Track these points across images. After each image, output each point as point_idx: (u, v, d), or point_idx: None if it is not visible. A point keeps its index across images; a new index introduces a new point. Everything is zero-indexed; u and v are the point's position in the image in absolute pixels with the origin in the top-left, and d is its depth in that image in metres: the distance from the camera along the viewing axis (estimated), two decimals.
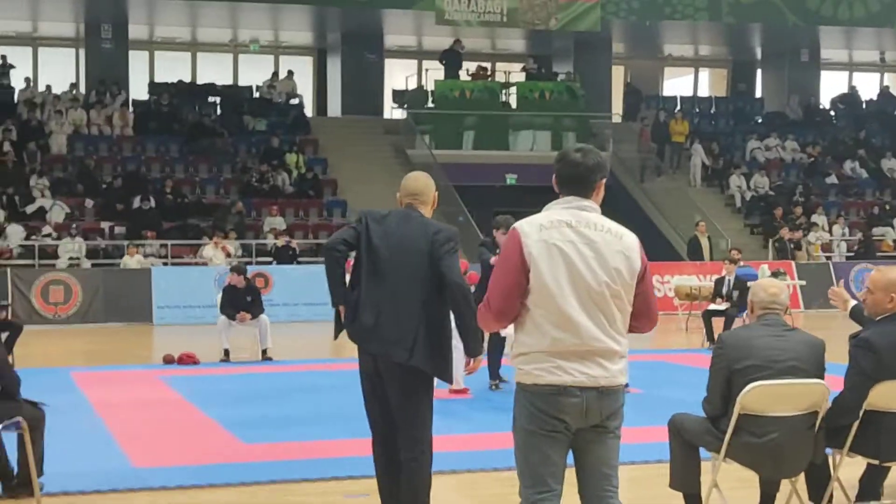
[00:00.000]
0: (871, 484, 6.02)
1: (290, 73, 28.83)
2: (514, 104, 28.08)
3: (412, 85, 29.22)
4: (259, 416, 9.69)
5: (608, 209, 4.37)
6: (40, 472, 6.62)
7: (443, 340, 5.45)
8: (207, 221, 22.67)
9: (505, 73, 29.94)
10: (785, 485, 5.91)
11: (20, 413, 6.42)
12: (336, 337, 5.74)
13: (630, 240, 4.27)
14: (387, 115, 29.07)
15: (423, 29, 27.95)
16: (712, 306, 15.70)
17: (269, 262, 21.05)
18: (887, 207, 27.25)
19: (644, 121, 29.28)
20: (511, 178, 25.85)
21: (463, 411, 9.89)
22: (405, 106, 28.00)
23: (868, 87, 33.64)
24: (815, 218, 25.65)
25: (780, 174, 28.33)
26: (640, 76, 32.29)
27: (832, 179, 28.37)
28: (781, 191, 27.35)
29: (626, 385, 4.39)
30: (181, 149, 25.43)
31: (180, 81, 28.13)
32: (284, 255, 21.15)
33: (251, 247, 22.10)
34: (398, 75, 30.02)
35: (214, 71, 29.51)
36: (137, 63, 28.36)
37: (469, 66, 28.28)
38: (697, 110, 31.51)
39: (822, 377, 5.49)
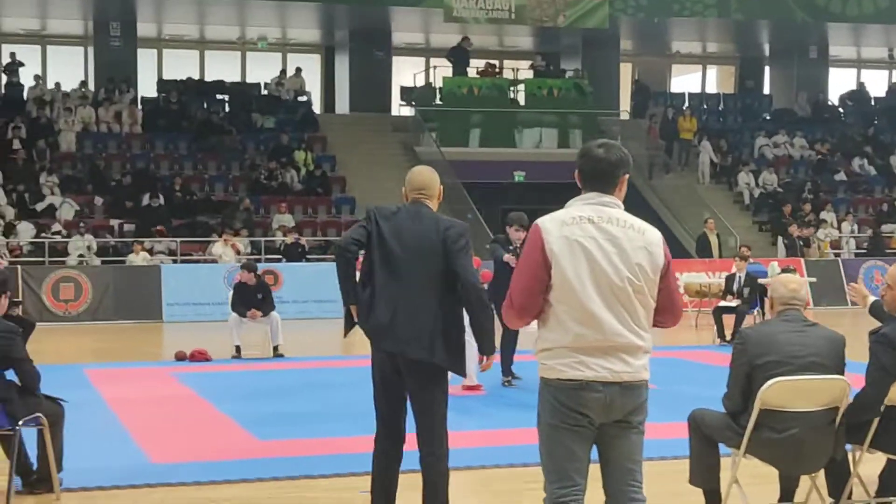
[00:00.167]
0: (891, 480, 6.01)
1: (298, 70, 28.83)
2: (521, 101, 28.07)
3: (420, 82, 29.23)
4: (273, 412, 9.71)
5: None
6: (60, 468, 6.65)
7: (459, 335, 5.46)
8: (216, 219, 22.70)
9: (513, 70, 29.93)
10: (804, 481, 5.92)
11: (41, 409, 6.44)
12: (346, 335, 5.76)
13: (653, 235, 4.28)
14: (395, 112, 29.07)
15: (430, 26, 27.94)
16: (723, 303, 15.70)
17: (279, 260, 21.07)
18: None
19: (653, 118, 29.26)
20: (519, 176, 25.85)
21: (477, 407, 9.91)
22: (413, 103, 28.00)
23: (877, 83, 33.57)
24: (823, 215, 25.62)
25: (788, 171, 28.29)
26: (647, 73, 32.27)
27: (841, 176, 28.32)
28: (790, 188, 27.31)
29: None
30: (190, 146, 25.47)
31: (189, 79, 28.15)
32: (293, 253, 21.17)
33: (260, 244, 22.13)
34: (406, 73, 30.02)
35: (222, 68, 29.52)
36: (146, 61, 28.43)
37: (477, 64, 28.28)
38: (705, 107, 31.48)
39: (842, 373, 5.49)
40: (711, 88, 33.91)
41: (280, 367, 13.06)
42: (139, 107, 26.39)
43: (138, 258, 20.22)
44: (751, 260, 17.24)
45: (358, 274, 5.57)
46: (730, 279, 16.05)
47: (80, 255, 20.84)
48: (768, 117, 31.15)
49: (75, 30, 28.16)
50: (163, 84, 27.90)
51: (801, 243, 23.08)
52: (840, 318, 17.37)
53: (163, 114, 26.30)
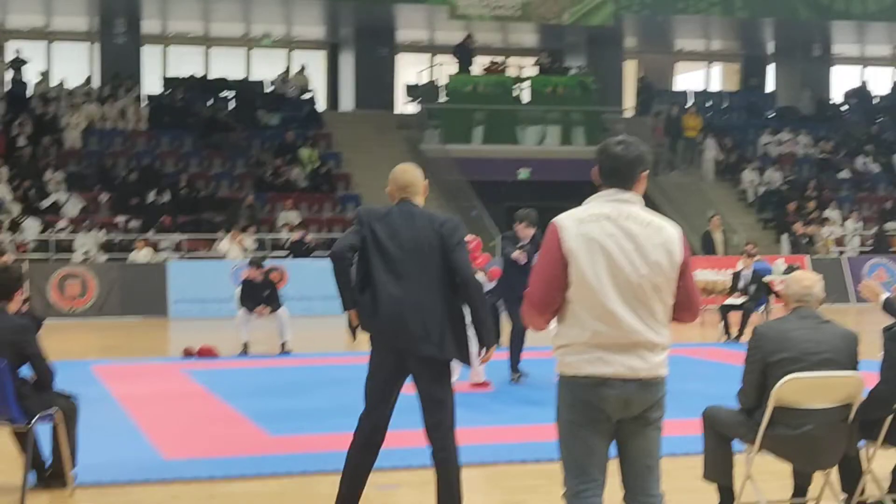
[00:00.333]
0: None
1: (303, 67, 28.85)
2: (526, 99, 28.08)
3: (424, 79, 29.23)
4: (283, 408, 9.74)
5: None
6: (73, 464, 6.67)
7: (462, 328, 5.57)
8: (222, 216, 22.73)
9: (517, 67, 29.93)
10: (818, 477, 5.94)
11: (55, 404, 6.46)
12: (354, 339, 5.87)
13: (671, 232, 4.27)
14: (399, 109, 29.08)
15: (435, 23, 27.95)
16: (729, 300, 15.70)
17: (285, 257, 21.08)
18: None
19: (657, 115, 29.26)
20: (525, 173, 25.85)
21: (485, 404, 9.93)
22: (418, 100, 28.00)
23: (880, 81, 33.56)
24: (827, 213, 25.63)
25: (792, 169, 28.29)
26: (652, 71, 32.27)
27: (845, 174, 28.32)
28: (794, 185, 27.31)
29: None
30: (195, 143, 25.48)
31: (193, 76, 28.18)
32: (299, 250, 21.19)
33: (266, 241, 22.15)
34: (410, 70, 30.03)
35: (227, 65, 29.53)
36: (151, 58, 28.45)
37: (481, 61, 28.27)
38: (710, 105, 31.47)
39: (856, 369, 5.52)
40: (716, 86, 33.89)
41: (288, 363, 13.09)
42: (144, 103, 26.40)
43: (141, 255, 20.24)
44: (757, 257, 17.23)
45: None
46: (736, 277, 16.05)
47: (86, 252, 20.86)
48: (772, 115, 31.14)
49: (80, 26, 28.16)
50: (168, 81, 27.91)
51: (806, 241, 23.09)
52: (844, 316, 17.39)
53: (168, 111, 26.32)
